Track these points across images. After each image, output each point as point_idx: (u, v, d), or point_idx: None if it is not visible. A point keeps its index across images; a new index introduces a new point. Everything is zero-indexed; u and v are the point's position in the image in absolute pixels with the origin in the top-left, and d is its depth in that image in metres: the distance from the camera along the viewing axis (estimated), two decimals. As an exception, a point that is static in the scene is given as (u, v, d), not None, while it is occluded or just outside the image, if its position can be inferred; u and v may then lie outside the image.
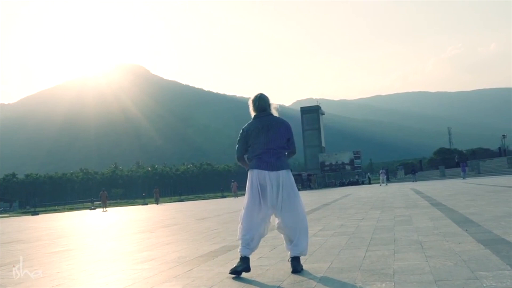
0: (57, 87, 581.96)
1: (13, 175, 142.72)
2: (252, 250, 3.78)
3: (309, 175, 57.38)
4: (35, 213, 42.09)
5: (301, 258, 3.81)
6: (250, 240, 3.73)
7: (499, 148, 61.36)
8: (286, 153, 3.93)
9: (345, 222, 7.76)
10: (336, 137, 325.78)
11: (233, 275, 3.74)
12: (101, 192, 36.19)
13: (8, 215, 47.73)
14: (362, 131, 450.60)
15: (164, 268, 4.43)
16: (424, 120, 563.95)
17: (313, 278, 3.44)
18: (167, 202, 46.17)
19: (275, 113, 3.97)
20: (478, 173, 43.96)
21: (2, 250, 7.84)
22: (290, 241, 3.78)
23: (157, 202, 41.11)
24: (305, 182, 54.18)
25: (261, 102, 3.93)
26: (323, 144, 70.54)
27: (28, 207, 76.78)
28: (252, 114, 3.96)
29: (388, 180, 47.67)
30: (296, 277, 3.53)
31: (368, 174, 68.90)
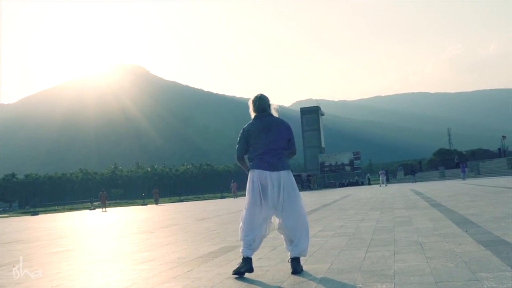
0: (57, 87, 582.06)
1: (13, 175, 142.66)
2: (254, 250, 3.77)
3: (308, 175, 57.36)
4: (34, 213, 42.06)
5: (301, 259, 3.80)
6: (252, 241, 3.73)
7: (499, 149, 61.41)
8: (286, 154, 3.93)
9: (345, 223, 7.75)
10: (335, 137, 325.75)
11: (235, 276, 3.74)
12: (101, 192, 36.18)
13: (7, 215, 47.70)
14: (362, 131, 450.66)
15: (163, 269, 4.42)
16: (424, 121, 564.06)
17: (313, 279, 3.44)
18: (167, 203, 46.15)
19: (275, 113, 3.98)
20: (478, 174, 43.98)
21: (1, 250, 7.83)
22: (290, 241, 3.77)
23: (156, 202, 41.10)
24: (304, 183, 54.15)
25: (261, 102, 3.93)
26: (323, 145, 70.54)
27: (27, 207, 76.76)
28: (252, 114, 3.96)
29: (388, 181, 47.67)
30: (296, 278, 3.52)
31: (368, 175, 68.89)
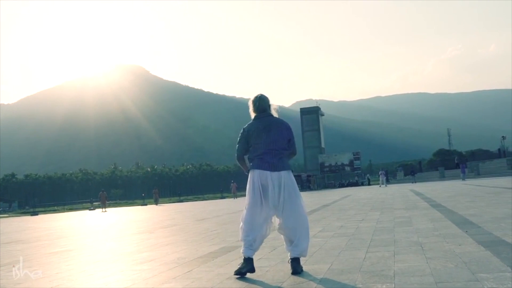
0: (57, 87, 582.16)
1: (13, 175, 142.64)
2: (255, 250, 3.77)
3: (308, 176, 57.39)
4: (34, 213, 42.05)
5: (301, 259, 3.80)
6: (253, 241, 3.73)
7: (499, 149, 61.43)
8: (287, 154, 3.93)
9: (345, 223, 7.74)
10: (335, 138, 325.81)
11: (237, 276, 3.74)
12: (101, 192, 36.18)
13: (7, 215, 47.68)
14: (362, 132, 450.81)
15: (163, 269, 4.42)
16: (423, 121, 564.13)
17: (313, 279, 3.43)
18: (166, 203, 46.13)
19: (274, 114, 3.98)
20: (478, 174, 43.98)
21: (1, 251, 7.83)
22: (290, 241, 3.77)
23: (156, 202, 41.11)
24: (304, 183, 54.16)
25: (262, 102, 3.93)
26: (323, 145, 70.58)
27: (27, 207, 76.75)
28: (252, 114, 3.96)
29: (388, 181, 47.67)
30: (296, 278, 3.52)
31: (368, 175, 68.96)
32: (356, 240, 5.37)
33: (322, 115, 73.53)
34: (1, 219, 35.12)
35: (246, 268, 3.69)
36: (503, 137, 64.01)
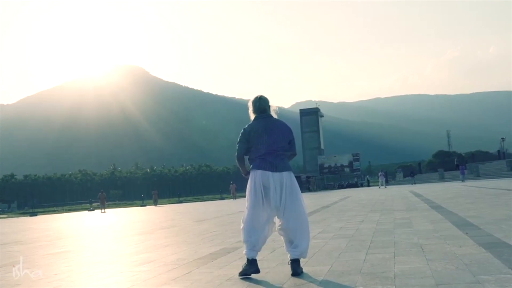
0: (57, 88, 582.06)
1: (12, 175, 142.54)
2: (258, 251, 3.76)
3: (308, 177, 57.40)
4: (33, 214, 42.02)
5: (301, 260, 3.78)
6: (256, 242, 3.72)
7: (498, 151, 61.57)
8: (287, 155, 3.92)
9: (345, 224, 7.73)
10: (335, 139, 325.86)
11: (242, 277, 3.73)
12: (100, 193, 36.17)
13: (6, 216, 47.68)
14: (361, 133, 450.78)
15: (162, 271, 4.40)
16: (423, 122, 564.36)
17: (314, 281, 3.42)
18: (166, 204, 46.10)
19: (274, 115, 3.98)
20: (477, 176, 43.99)
21: (0, 252, 7.81)
22: (290, 242, 3.75)
23: (155, 203, 41.12)
24: (304, 185, 54.16)
25: (262, 103, 3.92)
26: (322, 146, 70.69)
27: (26, 208, 76.83)
28: (251, 115, 3.95)
29: (387, 183, 47.69)
30: (297, 280, 3.50)
31: (367, 176, 68.97)
32: (356, 242, 5.36)
33: (322, 116, 73.66)
34: (0, 219, 35.09)
35: (251, 269, 3.69)
36: (503, 139, 64.13)
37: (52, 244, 8.61)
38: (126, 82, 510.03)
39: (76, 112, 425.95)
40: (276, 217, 3.83)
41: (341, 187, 57.81)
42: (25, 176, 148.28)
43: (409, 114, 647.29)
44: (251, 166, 3.86)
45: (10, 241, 10.40)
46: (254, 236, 3.71)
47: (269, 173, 3.72)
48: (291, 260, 3.71)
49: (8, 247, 8.60)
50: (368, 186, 55.02)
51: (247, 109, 3.99)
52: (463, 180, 36.45)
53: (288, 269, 3.76)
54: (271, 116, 3.93)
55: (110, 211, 33.54)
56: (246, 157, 3.93)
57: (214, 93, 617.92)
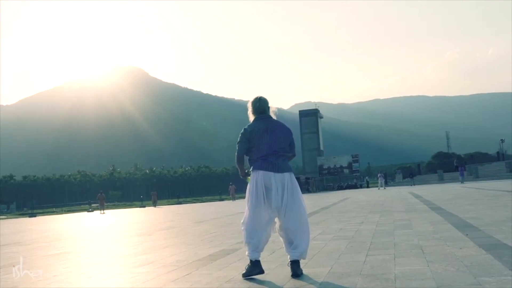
0: (56, 88, 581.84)
1: (11, 176, 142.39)
2: (260, 252, 3.76)
3: (307, 178, 57.36)
4: (32, 215, 41.96)
5: (300, 262, 3.77)
6: (258, 243, 3.71)
7: (497, 153, 61.60)
8: (288, 156, 3.92)
9: (344, 226, 7.72)
10: (334, 140, 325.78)
11: (246, 278, 3.72)
12: (99, 194, 36.17)
13: (5, 217, 47.62)
14: (361, 134, 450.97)
15: (162, 272, 4.38)
16: (422, 124, 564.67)
17: (314, 283, 3.41)
18: (165, 205, 46.06)
19: (273, 116, 3.98)
20: (477, 177, 44.00)
21: (-2, 252, 7.79)
22: (290, 243, 3.74)
23: (155, 204, 41.11)
24: (303, 186, 54.11)
25: (261, 103, 3.92)
26: (321, 148, 70.67)
27: (25, 209, 76.63)
28: (251, 116, 3.95)
29: (386, 184, 47.69)
30: (297, 281, 3.49)
31: (367, 177, 68.94)
32: (356, 243, 5.35)
33: (321, 117, 73.66)
34: (-1, 220, 35.03)
35: (256, 271, 3.69)
36: (502, 140, 64.17)
37: (51, 245, 8.59)
38: (125, 83, 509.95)
39: (76, 113, 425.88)
40: (276, 217, 3.81)
41: (340, 188, 57.79)
42: (24, 177, 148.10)
43: (408, 115, 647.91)
44: (251, 167, 3.84)
45: (9, 242, 10.38)
46: (256, 237, 3.70)
47: (271, 173, 3.71)
48: (291, 261, 3.70)
49: (7, 248, 8.58)
50: (368, 187, 55.00)
51: (247, 110, 3.99)
52: (462, 182, 36.44)
53: (288, 271, 3.74)
54: (271, 117, 3.93)
55: (109, 212, 33.52)
56: (246, 158, 3.92)
57: (213, 94, 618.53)
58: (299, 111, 75.34)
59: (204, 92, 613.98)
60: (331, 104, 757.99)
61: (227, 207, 23.91)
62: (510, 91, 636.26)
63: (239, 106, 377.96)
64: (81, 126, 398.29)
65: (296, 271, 3.64)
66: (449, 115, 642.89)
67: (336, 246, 5.25)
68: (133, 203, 61.69)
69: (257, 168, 3.77)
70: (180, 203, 48.69)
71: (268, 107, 3.95)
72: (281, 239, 3.88)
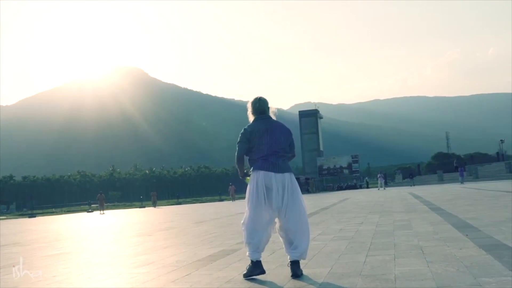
0: (56, 89, 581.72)
1: (11, 177, 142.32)
2: (261, 252, 3.76)
3: (307, 178, 57.35)
4: (32, 215, 41.96)
5: (300, 262, 3.76)
6: (258, 243, 3.71)
7: (497, 153, 61.54)
8: (288, 157, 3.92)
9: (344, 226, 7.72)
10: (334, 141, 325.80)
11: (245, 278, 3.73)
12: (99, 194, 36.15)
13: (5, 217, 47.58)
14: (360, 135, 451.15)
15: (162, 272, 4.38)
16: (422, 124, 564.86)
17: (314, 283, 3.40)
18: (165, 205, 46.05)
19: (272, 116, 3.98)
20: (476, 177, 43.99)
21: (-2, 253, 7.78)
22: (289, 243, 3.73)
23: (154, 205, 41.10)
24: (303, 186, 54.08)
25: (261, 104, 3.92)
26: (321, 148, 70.67)
27: (25, 209, 76.53)
28: (250, 116, 3.95)
29: (386, 184, 47.69)
30: (297, 282, 3.49)
31: (366, 178, 68.94)
32: (356, 244, 5.34)
33: (321, 118, 73.66)
34: (-2, 221, 35.01)
35: (257, 271, 3.69)
36: (502, 141, 64.12)
37: (50, 245, 8.58)
38: (125, 84, 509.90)
39: (75, 113, 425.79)
40: (276, 218, 3.81)
41: (340, 188, 57.78)
42: (24, 178, 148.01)
43: (408, 115, 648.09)
44: (252, 167, 3.84)
45: (9, 242, 10.37)
46: (257, 237, 3.69)
47: (272, 174, 3.71)
48: (291, 261, 3.69)
49: (7, 249, 8.58)
50: (367, 187, 54.99)
51: (246, 110, 3.99)
52: (462, 182, 36.43)
53: (288, 271, 3.74)
54: (271, 118, 3.94)
55: (109, 213, 33.50)
56: (246, 158, 3.92)
57: (213, 94, 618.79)
58: (299, 111, 75.36)
59: (204, 92, 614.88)
60: (331, 104, 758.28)
61: (226, 207, 23.90)
62: (510, 91, 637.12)
63: (239, 106, 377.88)
64: (81, 127, 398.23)
65: (296, 272, 3.64)
66: (449, 116, 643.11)
67: (336, 246, 5.25)
68: (133, 204, 61.66)
69: (257, 168, 3.76)
70: (179, 203, 48.68)
71: (268, 108, 3.95)
72: (280, 239, 3.88)
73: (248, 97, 4.19)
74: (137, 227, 12.54)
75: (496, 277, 3.12)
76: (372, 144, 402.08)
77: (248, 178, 3.90)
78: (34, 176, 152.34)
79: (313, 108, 76.05)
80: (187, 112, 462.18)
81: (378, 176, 41.77)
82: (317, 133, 70.11)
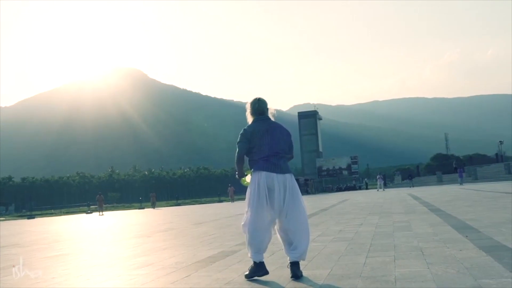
0: (55, 90, 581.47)
1: (10, 178, 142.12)
2: (263, 253, 3.75)
3: (306, 180, 57.36)
4: (31, 216, 41.96)
5: (300, 263, 3.76)
6: (260, 244, 3.70)
7: (496, 154, 61.53)
8: (288, 158, 3.93)
9: (344, 227, 7.71)
10: (333, 142, 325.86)
11: (250, 279, 3.72)
12: (98, 196, 36.07)
13: (4, 218, 47.52)
14: (359, 136, 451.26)
15: (161, 274, 4.37)
16: (421, 125, 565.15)
17: (313, 285, 3.40)
18: (164, 206, 46.04)
19: (271, 118, 3.98)
20: (475, 179, 43.99)
21: (-3, 254, 7.76)
22: (289, 244, 3.73)
23: (153, 206, 41.06)
24: (302, 187, 54.09)
25: (261, 105, 3.92)
26: (320, 149, 70.76)
27: (24, 210, 76.45)
28: (249, 117, 3.95)
29: (385, 186, 47.71)
30: (297, 284, 3.48)
31: (366, 179, 68.99)
32: (356, 245, 5.33)
33: (320, 119, 73.74)
34: (-3, 222, 34.96)
35: (261, 272, 3.69)
36: (501, 142, 64.11)
37: (49, 247, 8.56)
38: (124, 85, 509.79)
39: (74, 115, 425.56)
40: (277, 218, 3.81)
41: (339, 189, 57.76)
42: (23, 179, 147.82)
43: (407, 117, 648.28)
44: (252, 168, 3.83)
45: (8, 244, 10.35)
46: (258, 238, 3.69)
47: (274, 174, 3.71)
48: (290, 263, 3.69)
49: (6, 250, 8.56)
50: (367, 189, 54.99)
51: (245, 111, 3.98)
52: (461, 183, 36.43)
53: (287, 272, 3.73)
54: (270, 118, 3.93)
55: (108, 214, 33.46)
56: (246, 159, 3.91)
57: (212, 95, 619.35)
58: (298, 112, 75.50)
59: (203, 93, 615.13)
60: (330, 105, 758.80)
61: (226, 208, 23.87)
62: (509, 92, 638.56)
63: (238, 107, 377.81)
64: (80, 128, 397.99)
65: (296, 273, 3.63)
66: (448, 117, 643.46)
67: (336, 248, 5.24)
68: (132, 205, 61.64)
69: (259, 169, 3.75)
70: (179, 204, 48.71)
71: (267, 109, 3.95)
72: (280, 240, 3.87)
73: (247, 98, 4.18)
74: (136, 229, 12.53)
75: (496, 278, 3.12)
76: (371, 145, 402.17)
77: (244, 179, 3.89)
78: (33, 177, 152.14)
79: (312, 109, 76.20)
80: (186, 113, 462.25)
81: (377, 177, 41.77)
82: (316, 134, 70.19)
